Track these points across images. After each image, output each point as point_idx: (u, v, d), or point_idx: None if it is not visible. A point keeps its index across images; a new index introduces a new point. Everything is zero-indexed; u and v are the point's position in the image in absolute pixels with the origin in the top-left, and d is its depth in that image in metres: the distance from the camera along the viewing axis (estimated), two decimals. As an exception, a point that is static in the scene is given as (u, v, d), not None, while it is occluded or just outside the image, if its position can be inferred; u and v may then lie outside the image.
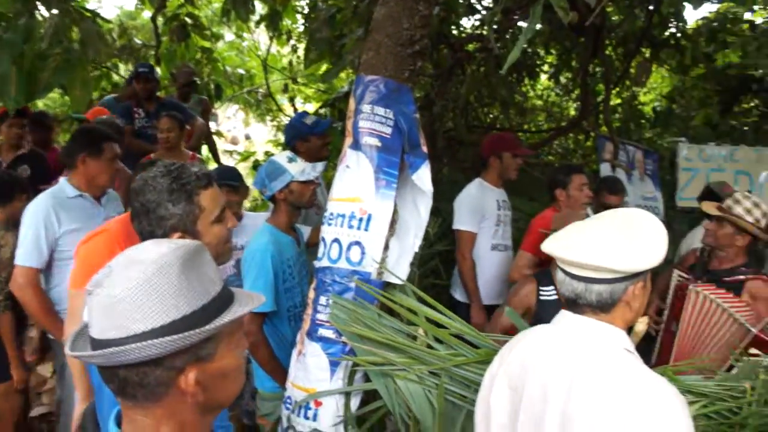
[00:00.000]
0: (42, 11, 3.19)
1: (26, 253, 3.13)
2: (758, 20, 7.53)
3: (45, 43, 2.96)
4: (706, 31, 7.13)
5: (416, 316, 2.46)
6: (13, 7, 3.05)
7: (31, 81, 2.99)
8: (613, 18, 7.02)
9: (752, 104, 9.88)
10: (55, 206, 3.17)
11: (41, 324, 3.40)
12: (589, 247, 1.60)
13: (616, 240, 1.60)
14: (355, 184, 2.54)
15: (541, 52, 8.03)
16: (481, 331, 3.30)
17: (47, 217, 3.13)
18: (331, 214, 2.60)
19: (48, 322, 3.22)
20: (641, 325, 2.57)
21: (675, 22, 6.77)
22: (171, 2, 7.39)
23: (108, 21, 6.27)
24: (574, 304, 1.66)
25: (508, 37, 6.48)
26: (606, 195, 4.31)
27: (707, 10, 7.44)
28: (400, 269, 2.60)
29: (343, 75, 6.96)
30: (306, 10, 6.65)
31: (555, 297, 2.90)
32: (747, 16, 7.56)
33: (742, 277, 3.10)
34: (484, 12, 6.23)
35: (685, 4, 5.48)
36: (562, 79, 8.73)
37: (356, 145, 2.55)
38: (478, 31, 6.21)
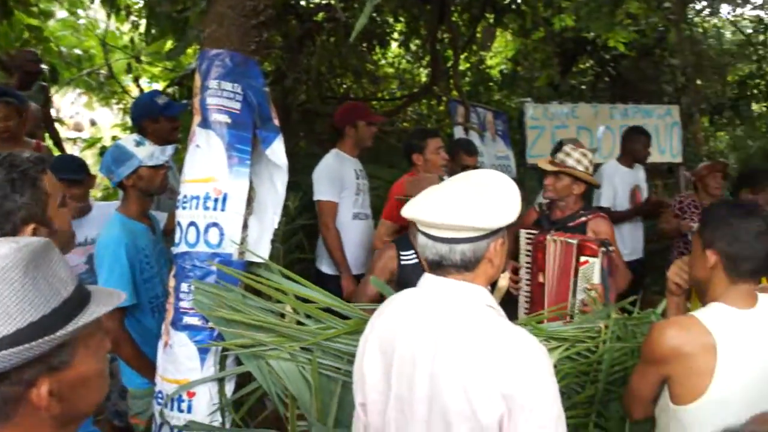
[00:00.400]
0: None
1: None
2: (589, -14, 7.98)
3: None
4: (543, -4, 7.46)
5: (283, 294, 2.43)
6: None
7: None
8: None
9: (588, 64, 10.55)
10: None
11: None
12: (449, 208, 1.63)
13: (474, 199, 1.64)
14: (207, 163, 2.44)
15: (390, 20, 8.10)
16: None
17: None
18: (185, 196, 2.49)
19: None
20: (503, 281, 2.68)
21: (516, -12, 7.05)
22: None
23: None
24: (439, 266, 1.68)
25: (357, 6, 6.47)
26: (463, 156, 4.44)
27: (545, -24, 7.79)
28: (261, 247, 2.54)
29: (190, 51, 6.68)
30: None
31: (415, 260, 2.95)
32: (579, -18, 8.00)
33: (584, 219, 3.37)
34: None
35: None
36: (412, 47, 8.86)
37: (205, 123, 2.44)
38: (326, 1, 6.15)
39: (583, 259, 3.06)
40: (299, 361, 2.33)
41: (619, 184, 5.00)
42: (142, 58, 7.75)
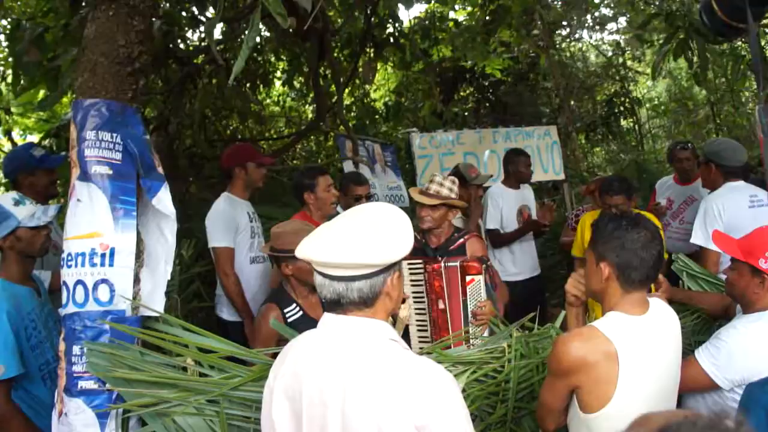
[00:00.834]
0: None
1: None
2: (461, 18, 8.33)
3: None
4: (420, 29, 7.72)
5: (183, 347, 2.33)
6: None
7: None
8: (337, 21, 7.31)
9: (468, 92, 10.97)
10: None
11: None
12: (343, 246, 1.62)
13: (367, 236, 1.63)
14: (91, 218, 2.33)
15: (272, 59, 8.11)
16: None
17: None
18: (69, 254, 2.36)
19: None
20: (405, 311, 2.70)
21: (392, 22, 7.22)
22: None
23: None
24: (337, 305, 1.66)
25: (237, 46, 6.44)
26: (353, 188, 4.46)
27: (418, 10, 8.10)
28: (156, 301, 2.44)
29: (65, 100, 6.41)
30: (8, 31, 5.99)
31: (300, 313, 2.89)
32: (452, 15, 8.34)
33: (461, 240, 3.50)
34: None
35: (399, 5, 5.86)
36: (296, 84, 8.90)
37: (85, 176, 2.34)
38: (205, 44, 6.08)
39: (468, 278, 3.17)
40: (206, 414, 2.24)
41: (505, 205, 5.14)
42: (13, 109, 7.36)
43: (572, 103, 10.44)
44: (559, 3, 8.13)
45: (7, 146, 7.83)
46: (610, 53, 11.08)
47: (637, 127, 11.59)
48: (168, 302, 3.82)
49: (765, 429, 1.82)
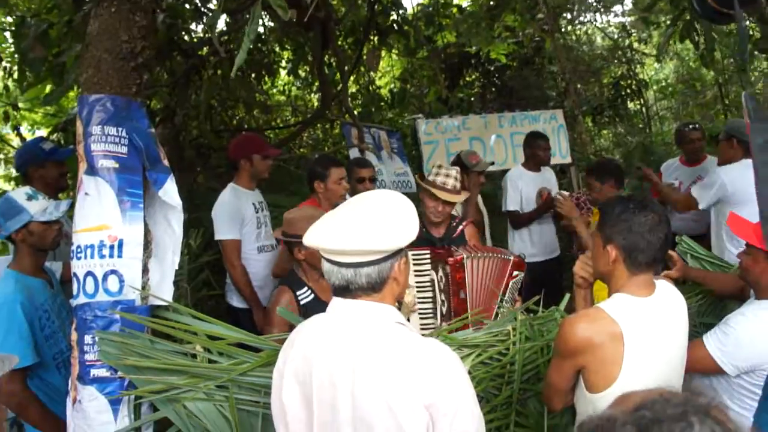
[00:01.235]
0: None
1: None
2: (465, 3, 8.30)
3: None
4: (423, 16, 7.69)
5: (191, 334, 2.38)
6: None
7: None
8: (340, 10, 7.31)
9: (474, 77, 10.94)
10: None
11: None
12: (350, 233, 1.65)
13: (374, 222, 1.67)
14: (99, 211, 2.38)
15: (277, 49, 8.11)
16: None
17: None
18: (79, 246, 2.42)
19: None
20: (410, 296, 2.74)
21: (396, 9, 7.21)
22: None
23: None
24: (346, 290, 1.70)
25: (241, 37, 6.46)
26: (357, 170, 4.50)
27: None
28: (164, 290, 2.50)
29: (72, 94, 6.45)
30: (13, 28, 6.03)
31: (312, 296, 2.92)
32: (455, 0, 8.31)
33: (460, 228, 3.56)
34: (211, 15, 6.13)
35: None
36: (301, 73, 8.90)
37: (92, 171, 2.39)
38: (209, 35, 6.11)
39: (515, 273, 3.22)
40: (216, 399, 2.29)
41: (524, 187, 5.18)
42: (20, 104, 7.42)
43: (578, 86, 10.40)
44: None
45: (16, 141, 7.89)
46: (616, 36, 11.02)
47: (644, 109, 11.52)
48: (177, 291, 3.89)
49: None
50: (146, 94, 2.52)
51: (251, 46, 6.96)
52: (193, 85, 6.15)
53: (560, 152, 7.20)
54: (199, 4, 5.81)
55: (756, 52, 6.56)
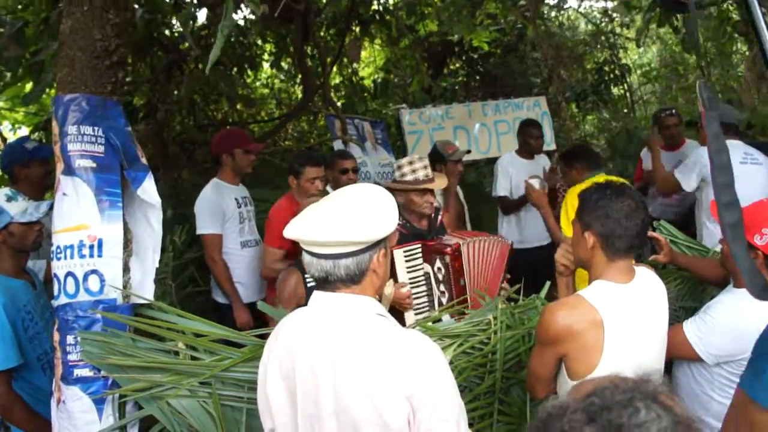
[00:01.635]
0: None
1: None
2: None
3: None
4: (405, 5, 7.66)
5: (173, 332, 2.39)
6: None
7: None
8: (321, 0, 7.27)
9: (458, 65, 10.94)
10: None
11: None
12: (329, 225, 1.67)
13: (352, 214, 1.69)
14: (77, 211, 2.38)
15: (259, 42, 8.07)
16: (249, 328, 3.31)
17: None
18: (58, 247, 2.41)
19: None
20: (389, 288, 2.74)
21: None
22: None
23: None
24: (326, 282, 1.72)
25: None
26: (339, 161, 4.50)
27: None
28: (146, 288, 2.50)
29: (53, 93, 6.39)
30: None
31: None
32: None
33: (439, 218, 3.56)
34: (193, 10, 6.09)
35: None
36: (284, 65, 8.86)
37: (69, 170, 2.38)
38: (189, 30, 6.07)
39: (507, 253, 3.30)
40: (199, 396, 2.30)
41: (515, 174, 5.20)
42: (0, 104, 7.36)
43: (562, 72, 10.42)
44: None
45: (-2, 141, 7.83)
46: (598, 21, 11.03)
47: (628, 94, 11.57)
48: (162, 288, 3.90)
49: None
50: (127, 90, 2.50)
51: (233, 40, 6.93)
52: (175, 81, 6.12)
53: (545, 139, 7.22)
54: (178, -1, 5.78)
55: (735, 35, 6.59)
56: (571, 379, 2.04)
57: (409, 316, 3.24)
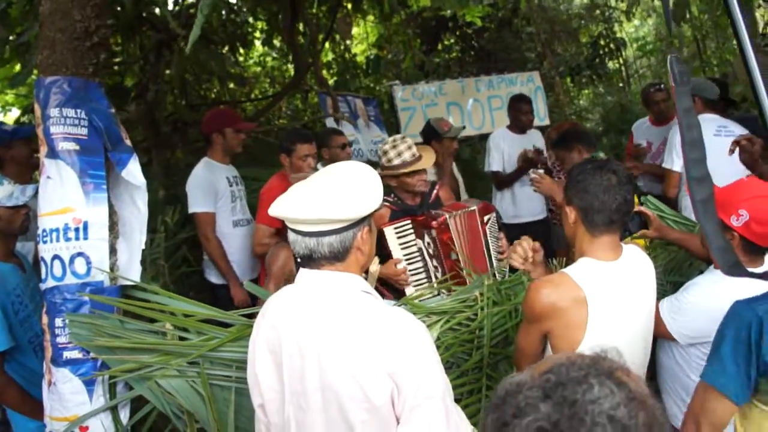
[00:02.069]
0: None
1: None
2: (437, -34, 8.14)
3: None
4: (397, -20, 7.59)
5: (160, 313, 2.41)
6: None
7: None
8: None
9: (452, 41, 10.86)
10: None
11: None
12: (312, 203, 1.68)
13: (336, 192, 1.70)
14: (62, 194, 2.38)
15: (251, 20, 8.00)
16: (246, 306, 3.33)
17: None
18: (44, 230, 2.42)
19: None
20: (374, 266, 2.75)
21: (368, -26, 7.12)
22: None
23: None
24: (310, 260, 1.73)
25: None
26: (334, 137, 4.53)
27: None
28: (133, 270, 2.51)
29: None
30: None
31: None
32: (428, -37, 8.15)
33: (435, 192, 3.55)
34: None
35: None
36: (276, 43, 8.80)
37: (53, 154, 2.38)
38: (178, 8, 6.03)
39: (486, 218, 3.27)
40: (188, 375, 2.32)
41: (507, 149, 5.21)
42: (-10, 86, 7.32)
43: (557, 47, 10.35)
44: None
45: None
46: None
47: (623, 68, 11.51)
48: (155, 269, 3.91)
49: (743, 346, 1.79)
50: (117, 71, 2.49)
51: (224, 18, 6.88)
52: (165, 60, 6.07)
53: (538, 114, 7.20)
54: (167, -23, 5.70)
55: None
56: None
57: (409, 292, 3.24)
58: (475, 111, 7.04)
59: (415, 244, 3.29)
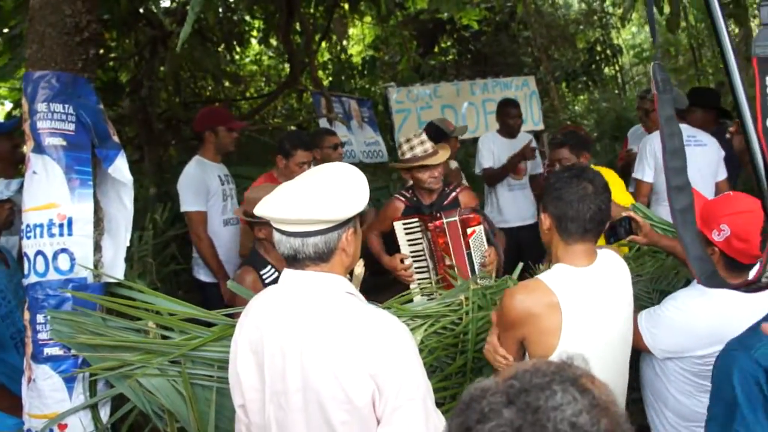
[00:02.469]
0: None
1: None
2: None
3: None
4: (394, -18, 7.62)
5: (142, 311, 2.39)
6: None
7: None
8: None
9: (449, 44, 10.87)
10: None
11: None
12: (298, 203, 1.68)
13: (321, 193, 1.70)
14: (47, 189, 2.37)
15: (248, 18, 7.99)
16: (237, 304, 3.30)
17: None
18: (28, 226, 2.40)
19: None
20: (359, 269, 2.75)
21: (366, -25, 7.11)
22: None
23: None
24: (295, 260, 1.73)
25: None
26: (326, 138, 4.52)
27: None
28: (117, 267, 2.49)
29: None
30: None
31: (276, 274, 2.91)
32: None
33: (454, 194, 3.50)
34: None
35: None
36: (273, 42, 8.79)
37: (39, 149, 2.37)
38: (174, 4, 6.02)
39: (469, 231, 3.20)
40: (169, 374, 2.31)
41: (497, 152, 5.18)
42: (-17, 79, 7.29)
43: (553, 52, 10.37)
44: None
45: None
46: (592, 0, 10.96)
47: (619, 75, 11.54)
48: (142, 266, 3.89)
49: (759, 401, 1.63)
50: (111, 67, 2.48)
51: (221, 16, 6.86)
52: (159, 57, 6.06)
53: (533, 119, 7.21)
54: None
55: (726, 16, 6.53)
56: None
57: (413, 289, 3.26)
58: (469, 114, 7.04)
59: (421, 243, 3.32)
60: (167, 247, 4.45)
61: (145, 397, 2.32)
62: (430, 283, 3.28)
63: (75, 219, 2.38)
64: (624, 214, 2.82)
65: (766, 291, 1.10)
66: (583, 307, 2.01)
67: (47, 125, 2.37)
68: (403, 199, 3.55)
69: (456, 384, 2.58)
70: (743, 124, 1.10)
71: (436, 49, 10.47)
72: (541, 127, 7.26)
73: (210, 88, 8.14)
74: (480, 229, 3.23)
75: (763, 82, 1.04)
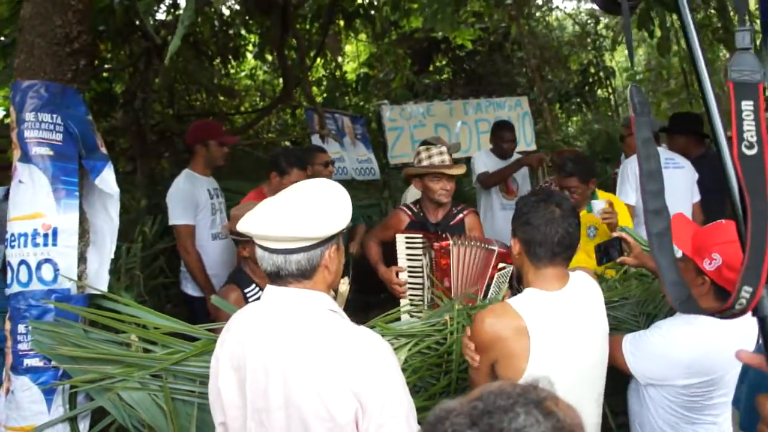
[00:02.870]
0: None
1: None
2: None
3: None
4: (389, 0, 7.64)
5: (125, 324, 2.38)
6: None
7: None
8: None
9: (443, 62, 10.94)
10: None
11: None
12: (280, 220, 1.68)
13: (304, 209, 1.70)
14: (33, 199, 2.36)
15: (243, 33, 8.02)
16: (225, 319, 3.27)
17: None
18: (13, 235, 2.39)
19: None
20: (344, 286, 2.74)
21: (362, -6, 7.16)
22: None
23: None
24: (278, 277, 1.72)
25: (203, 19, 6.38)
26: (317, 155, 4.52)
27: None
28: (101, 279, 2.48)
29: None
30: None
31: (260, 293, 2.90)
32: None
33: (460, 216, 3.47)
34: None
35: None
36: (268, 57, 8.83)
37: (26, 158, 2.36)
38: (170, 17, 6.04)
39: (501, 265, 3.11)
40: (150, 389, 2.29)
41: (491, 170, 5.10)
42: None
43: (546, 73, 10.45)
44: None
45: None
46: (585, 22, 11.06)
47: (612, 96, 11.62)
48: (129, 278, 3.87)
49: None
50: (82, 80, 2.48)
51: (216, 29, 6.89)
52: (153, 69, 6.07)
53: (525, 140, 7.23)
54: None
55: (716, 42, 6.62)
56: None
57: (403, 304, 3.24)
58: (462, 133, 7.05)
59: (420, 260, 3.27)
60: (156, 260, 4.43)
61: (126, 411, 2.30)
62: (422, 300, 3.25)
63: (60, 229, 2.37)
64: (614, 234, 2.83)
65: (752, 322, 1.08)
66: (551, 332, 2.00)
67: (35, 135, 2.36)
68: (409, 212, 3.51)
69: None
70: (719, 149, 1.11)
71: (430, 68, 10.53)
72: (533, 147, 7.27)
73: (204, 101, 8.15)
74: (509, 269, 3.12)
75: (739, 107, 1.05)
